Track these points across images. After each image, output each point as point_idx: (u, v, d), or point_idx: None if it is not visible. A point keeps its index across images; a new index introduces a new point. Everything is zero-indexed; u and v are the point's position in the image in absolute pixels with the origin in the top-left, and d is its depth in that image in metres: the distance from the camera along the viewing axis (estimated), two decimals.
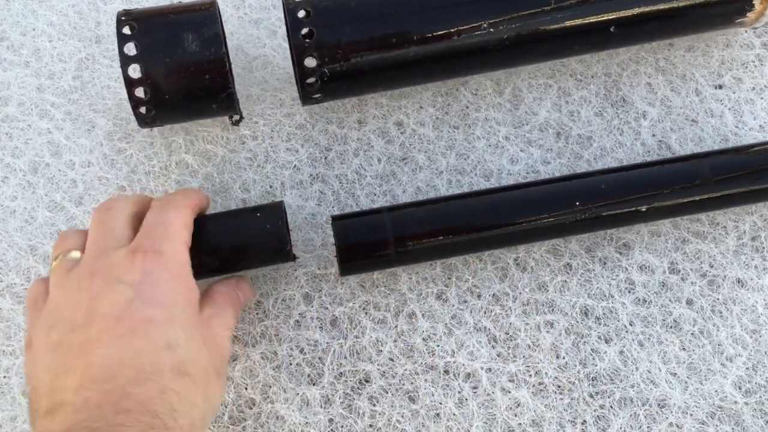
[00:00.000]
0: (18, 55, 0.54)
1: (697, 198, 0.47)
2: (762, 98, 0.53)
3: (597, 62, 0.55)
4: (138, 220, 0.41)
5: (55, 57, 0.54)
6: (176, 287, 0.38)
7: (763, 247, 0.48)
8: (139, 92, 0.46)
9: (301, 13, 0.47)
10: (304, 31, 0.47)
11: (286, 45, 0.55)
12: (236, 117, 0.51)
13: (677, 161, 0.48)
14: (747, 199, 0.48)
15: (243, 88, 0.54)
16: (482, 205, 0.47)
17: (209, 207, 0.47)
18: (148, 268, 0.37)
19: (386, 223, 0.45)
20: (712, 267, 0.48)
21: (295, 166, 0.51)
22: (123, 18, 0.47)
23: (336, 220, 0.46)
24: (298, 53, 0.47)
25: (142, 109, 0.47)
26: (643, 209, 0.46)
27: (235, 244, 0.45)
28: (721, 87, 0.54)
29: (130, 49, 0.46)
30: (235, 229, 0.45)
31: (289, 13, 0.47)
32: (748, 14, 0.51)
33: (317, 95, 0.49)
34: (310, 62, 0.47)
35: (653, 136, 0.52)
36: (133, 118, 0.51)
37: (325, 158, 0.52)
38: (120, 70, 0.52)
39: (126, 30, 0.46)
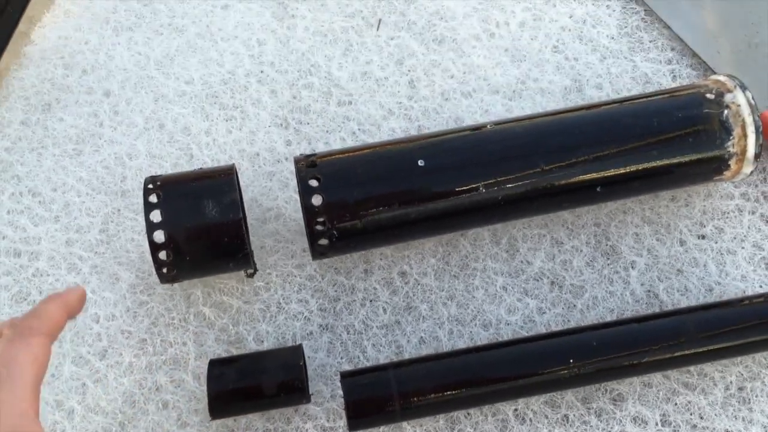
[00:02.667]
0: (49, 210, 0.59)
1: (683, 353, 0.49)
2: (743, 248, 0.57)
3: (587, 212, 0.59)
4: None
5: (84, 211, 0.59)
6: None
7: (749, 398, 0.51)
8: (162, 255, 0.50)
9: (313, 182, 0.51)
10: (315, 197, 0.51)
11: (297, 197, 0.60)
12: (251, 270, 0.55)
13: (663, 317, 0.51)
14: (731, 353, 0.51)
15: (257, 240, 0.58)
16: (481, 361, 0.49)
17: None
18: None
19: (391, 380, 0.48)
20: (702, 419, 0.50)
21: (305, 317, 0.55)
22: (150, 186, 0.51)
23: (345, 377, 0.48)
24: (309, 218, 0.51)
25: (165, 269, 0.51)
26: (633, 364, 0.49)
27: (252, 383, 0.48)
28: (704, 237, 0.58)
29: (156, 216, 0.50)
30: (253, 366, 0.49)
31: (301, 180, 0.51)
32: (725, 173, 0.55)
33: (326, 252, 0.53)
34: (320, 224, 0.51)
35: (642, 285, 0.56)
36: (154, 270, 0.55)
37: (334, 309, 0.55)
38: (143, 222, 0.56)
39: (152, 198, 0.50)
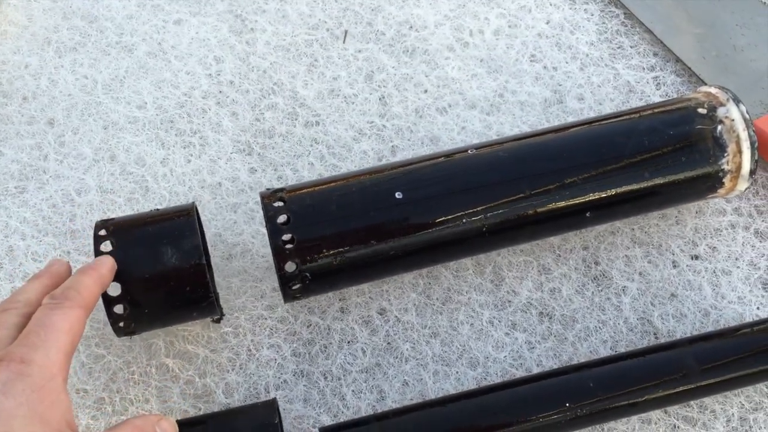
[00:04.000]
0: None
1: (685, 388, 0.46)
2: (738, 267, 0.54)
3: (574, 235, 0.55)
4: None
5: (29, 256, 0.53)
6: (28, 400, 0.35)
7: (752, 430, 0.48)
8: (118, 308, 0.45)
9: (282, 218, 0.47)
10: (285, 237, 0.47)
11: (264, 231, 0.55)
12: (217, 316, 0.51)
13: (662, 350, 0.48)
14: (734, 385, 0.48)
15: (222, 280, 0.53)
16: (472, 408, 0.46)
17: None
18: (5, 378, 0.36)
19: None
20: None
21: (278, 363, 0.50)
22: (101, 233, 0.46)
23: None
24: (279, 259, 0.47)
25: (121, 324, 0.46)
26: (632, 403, 0.46)
27: None
28: (697, 257, 0.55)
29: None
30: (223, 428, 0.44)
31: (269, 219, 0.47)
32: (718, 190, 0.52)
33: (299, 295, 0.49)
34: (292, 266, 0.47)
35: (635, 311, 0.53)
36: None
37: (309, 353, 0.51)
38: None
39: (105, 246, 0.46)
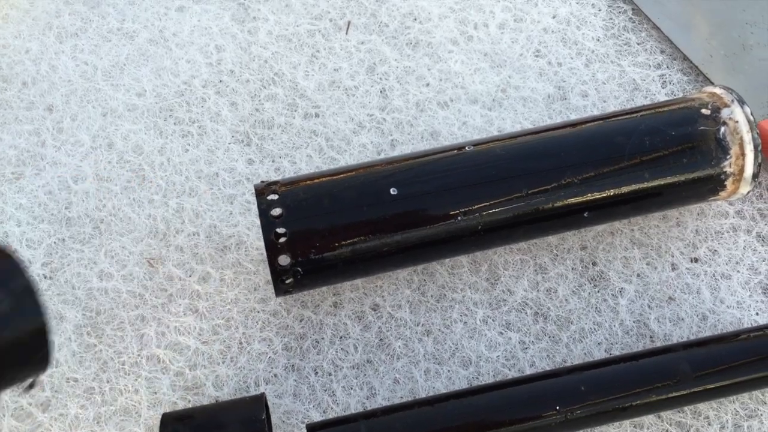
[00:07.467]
0: None
1: (678, 394, 0.46)
2: (738, 272, 0.53)
3: (572, 234, 0.55)
4: None
5: (24, 243, 0.53)
6: None
7: None
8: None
9: (276, 212, 0.47)
10: (279, 230, 0.46)
11: (259, 223, 0.55)
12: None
13: (656, 354, 0.47)
14: (729, 392, 0.47)
15: (215, 271, 0.53)
16: (460, 409, 0.45)
17: None
18: None
19: None
20: None
21: (269, 357, 0.50)
22: None
23: (311, 430, 0.44)
24: (272, 253, 0.46)
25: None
26: (624, 407, 0.45)
27: None
28: (696, 260, 0.54)
29: None
30: (210, 422, 0.44)
31: (263, 212, 0.47)
32: (720, 193, 0.51)
33: (291, 289, 0.48)
34: (284, 260, 0.47)
35: (631, 314, 0.52)
36: (103, 308, 0.50)
37: (301, 348, 0.51)
38: (90, 254, 0.51)
39: None
